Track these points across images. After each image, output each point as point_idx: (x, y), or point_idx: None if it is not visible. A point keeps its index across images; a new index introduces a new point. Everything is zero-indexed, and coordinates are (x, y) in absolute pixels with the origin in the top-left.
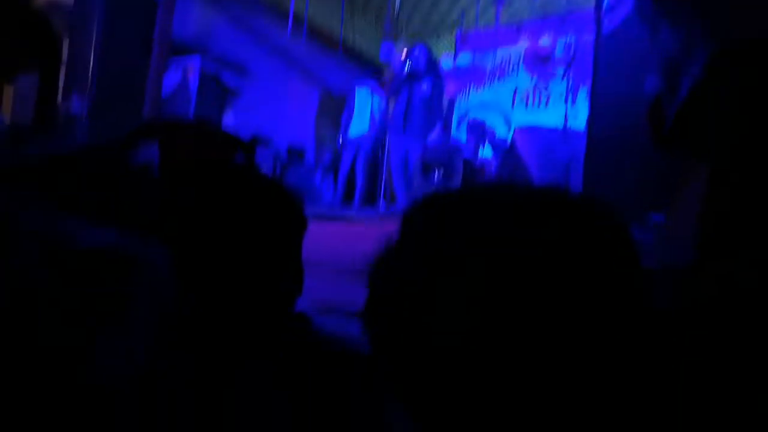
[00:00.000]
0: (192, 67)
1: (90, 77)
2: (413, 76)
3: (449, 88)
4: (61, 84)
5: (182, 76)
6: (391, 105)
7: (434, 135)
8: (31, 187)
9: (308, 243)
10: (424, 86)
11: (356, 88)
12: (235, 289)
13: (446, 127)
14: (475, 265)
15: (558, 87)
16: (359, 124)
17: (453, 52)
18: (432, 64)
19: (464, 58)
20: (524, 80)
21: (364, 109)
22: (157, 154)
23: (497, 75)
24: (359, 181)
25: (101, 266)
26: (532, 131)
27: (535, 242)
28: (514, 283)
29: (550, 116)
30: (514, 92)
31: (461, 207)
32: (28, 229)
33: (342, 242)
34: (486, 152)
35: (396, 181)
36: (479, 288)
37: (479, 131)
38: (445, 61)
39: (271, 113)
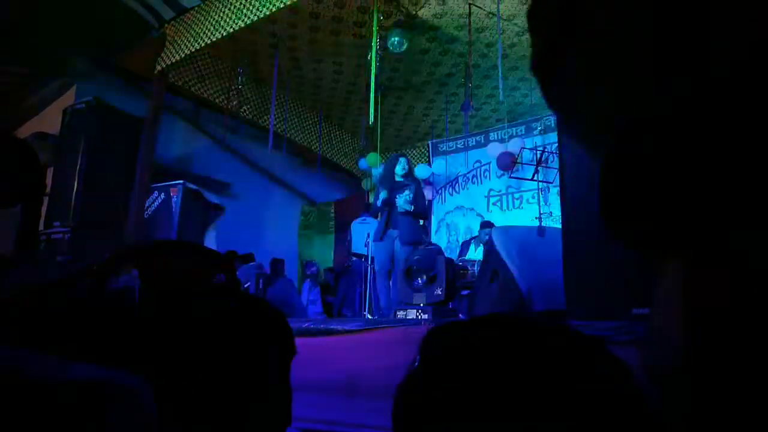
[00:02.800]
0: (175, 188)
1: (73, 204)
2: (393, 185)
3: (426, 194)
4: (44, 211)
5: (165, 197)
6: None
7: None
8: (8, 319)
9: (294, 360)
10: (405, 193)
11: (353, 223)
12: (220, 421)
13: (426, 231)
14: (494, 391)
15: (530, 187)
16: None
17: (427, 160)
18: (411, 173)
19: (438, 166)
20: (497, 183)
21: (361, 238)
22: (137, 279)
23: (470, 180)
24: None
25: (74, 402)
26: (508, 230)
27: (533, 373)
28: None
29: (525, 215)
30: (488, 194)
31: (478, 340)
32: None
33: (327, 358)
34: (471, 252)
35: (380, 288)
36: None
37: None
38: (420, 169)
39: (253, 228)
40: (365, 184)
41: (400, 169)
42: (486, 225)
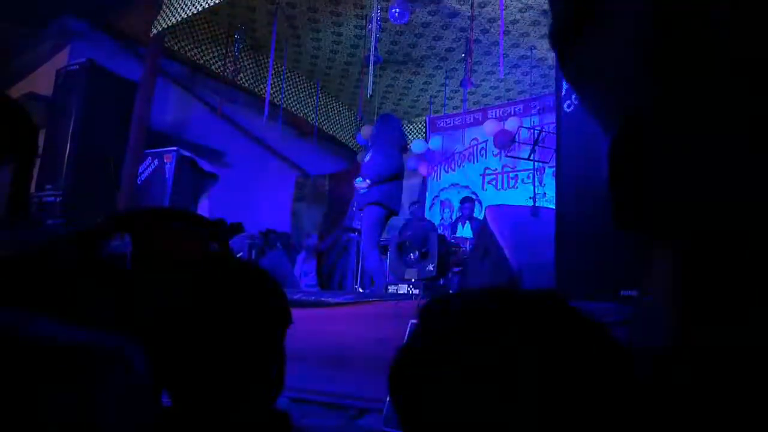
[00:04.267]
0: (169, 154)
1: (65, 167)
2: (369, 150)
3: (422, 169)
4: (36, 174)
5: (159, 163)
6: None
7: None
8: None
9: (287, 331)
10: (367, 157)
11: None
12: (213, 387)
13: (420, 205)
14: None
15: (525, 167)
16: None
17: (424, 135)
18: (376, 138)
19: (435, 142)
20: (493, 161)
21: None
22: (130, 245)
23: (467, 157)
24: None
25: (68, 365)
26: (502, 209)
27: (528, 341)
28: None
29: (520, 195)
30: (484, 173)
31: (475, 312)
32: None
33: (318, 330)
34: (460, 230)
35: (364, 260)
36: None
37: (469, 207)
38: (417, 145)
39: (247, 197)
40: (361, 158)
41: (360, 136)
42: (466, 200)
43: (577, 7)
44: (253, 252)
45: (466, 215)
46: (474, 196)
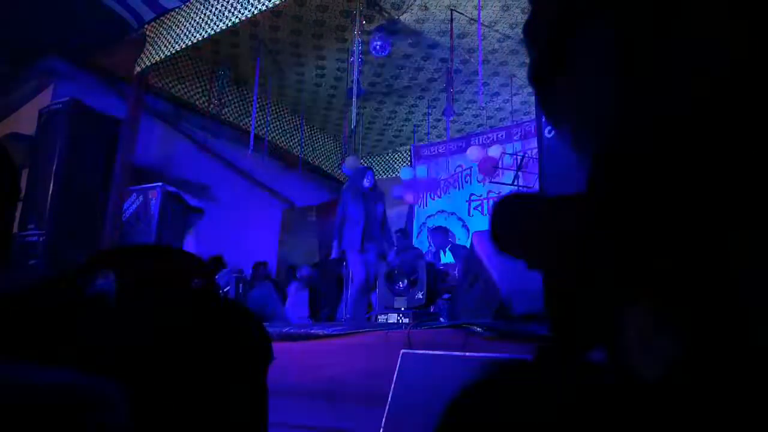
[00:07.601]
0: (154, 190)
1: (48, 206)
2: (367, 197)
3: (407, 198)
4: (18, 213)
5: (144, 199)
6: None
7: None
8: None
9: (275, 365)
10: (378, 207)
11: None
12: (194, 425)
13: (407, 235)
14: None
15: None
16: None
17: (409, 164)
18: (377, 187)
19: (420, 170)
20: (478, 188)
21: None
22: (113, 284)
23: (452, 184)
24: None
25: (49, 408)
26: (489, 235)
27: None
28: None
29: None
30: (470, 199)
31: None
32: None
33: (308, 363)
34: (447, 257)
35: (353, 297)
36: None
37: (441, 236)
38: (403, 172)
39: (234, 231)
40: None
41: (367, 181)
42: (436, 230)
43: (548, 55)
44: (241, 286)
45: (438, 244)
46: (450, 225)
